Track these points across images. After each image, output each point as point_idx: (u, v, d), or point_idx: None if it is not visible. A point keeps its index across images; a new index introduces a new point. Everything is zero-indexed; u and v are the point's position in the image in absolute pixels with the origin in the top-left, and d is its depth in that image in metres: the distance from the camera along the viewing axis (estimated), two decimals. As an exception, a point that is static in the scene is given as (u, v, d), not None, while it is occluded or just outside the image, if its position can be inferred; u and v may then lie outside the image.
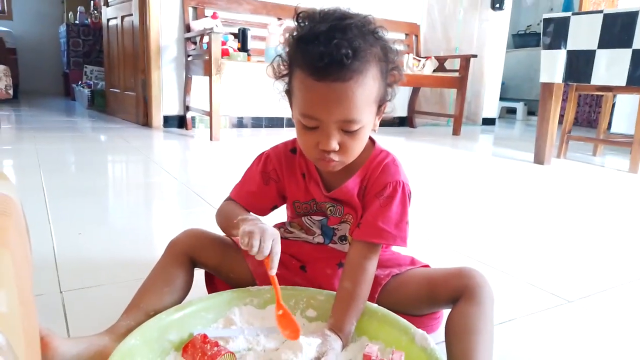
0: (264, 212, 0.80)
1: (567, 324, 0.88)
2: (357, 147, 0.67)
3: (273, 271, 0.64)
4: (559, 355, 0.77)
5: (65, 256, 1.04)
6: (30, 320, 0.45)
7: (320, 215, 0.78)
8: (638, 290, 1.04)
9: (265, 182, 0.78)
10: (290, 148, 0.79)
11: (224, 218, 0.75)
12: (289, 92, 0.70)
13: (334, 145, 0.64)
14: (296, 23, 0.66)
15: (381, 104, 0.68)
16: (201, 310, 0.68)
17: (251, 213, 0.74)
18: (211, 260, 0.76)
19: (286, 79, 0.69)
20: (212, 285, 0.81)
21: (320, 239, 0.80)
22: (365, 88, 0.62)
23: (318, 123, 0.63)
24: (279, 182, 0.78)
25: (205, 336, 0.62)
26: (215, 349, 0.60)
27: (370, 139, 0.75)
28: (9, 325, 0.36)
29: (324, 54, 0.59)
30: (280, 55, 0.69)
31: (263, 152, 0.80)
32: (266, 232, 0.64)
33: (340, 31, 0.60)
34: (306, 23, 0.64)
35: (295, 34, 0.65)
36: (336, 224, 0.78)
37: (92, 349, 0.61)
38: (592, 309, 0.93)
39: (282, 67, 0.69)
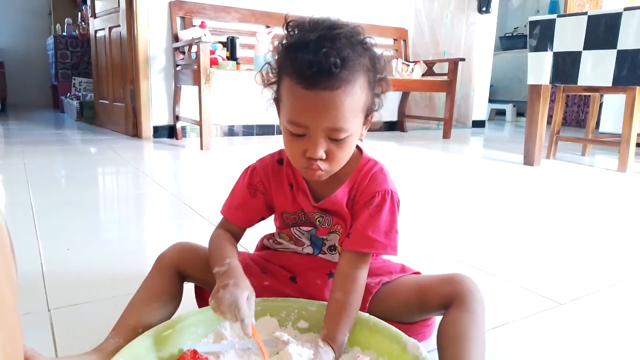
0: (251, 223, 0.80)
1: (560, 326, 0.88)
2: (344, 156, 0.67)
3: (246, 333, 0.60)
4: (553, 358, 0.77)
5: (54, 273, 1.03)
6: (13, 344, 0.45)
7: (308, 225, 0.78)
8: (630, 291, 1.05)
9: (252, 195, 0.77)
10: (277, 159, 0.78)
11: (210, 257, 0.73)
12: (277, 100, 0.70)
13: (321, 153, 0.64)
14: (285, 31, 0.66)
15: (368, 113, 0.69)
16: (191, 325, 0.67)
17: (232, 259, 0.69)
18: (200, 274, 0.75)
19: (274, 86, 0.69)
20: (202, 298, 0.80)
21: (309, 250, 0.80)
22: (354, 97, 0.62)
23: (305, 130, 0.63)
24: (266, 194, 0.78)
25: (195, 352, 0.62)
26: (206, 364, 0.60)
27: (358, 147, 0.75)
28: (-11, 351, 0.35)
29: (313, 62, 0.59)
30: (269, 63, 0.69)
31: (249, 165, 0.80)
32: (233, 295, 0.61)
33: (330, 40, 0.60)
34: (295, 32, 0.65)
35: (284, 42, 0.65)
36: (325, 235, 0.78)
37: (80, 367, 0.60)
38: (585, 310, 0.94)
39: (270, 75, 0.69)
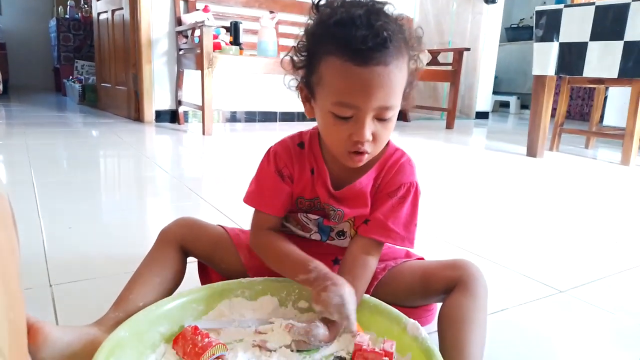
0: (286, 211, 0.76)
1: (559, 313, 0.88)
2: (388, 136, 0.66)
3: (352, 331, 0.61)
4: (551, 344, 0.77)
5: (55, 250, 1.03)
6: (16, 312, 0.45)
7: (318, 214, 0.76)
8: (629, 280, 1.05)
9: (283, 180, 0.73)
10: (298, 142, 0.75)
11: (282, 265, 0.69)
12: (309, 85, 0.66)
13: (369, 135, 0.62)
14: (315, 11, 0.64)
15: (404, 92, 0.67)
16: (192, 302, 0.67)
17: (314, 262, 0.65)
18: (202, 250, 0.75)
19: (302, 72, 0.66)
20: (205, 274, 0.80)
21: (317, 237, 0.78)
22: (402, 73, 0.62)
23: (354, 112, 0.61)
24: (291, 178, 0.74)
25: (196, 328, 0.62)
26: (206, 340, 0.60)
27: None
28: (-8, 315, 0.35)
29: (367, 37, 0.57)
30: (295, 46, 0.66)
31: (269, 149, 0.76)
32: (331, 301, 0.60)
33: (376, 14, 0.59)
34: (328, 10, 0.62)
35: (326, 19, 0.62)
36: (333, 225, 0.76)
37: (83, 338, 0.60)
38: (584, 298, 0.94)
39: (296, 57, 0.66)
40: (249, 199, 0.75)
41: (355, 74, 0.59)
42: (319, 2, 0.64)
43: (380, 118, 0.62)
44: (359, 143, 0.62)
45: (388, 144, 0.73)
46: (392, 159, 0.72)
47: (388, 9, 0.62)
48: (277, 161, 0.73)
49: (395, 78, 0.60)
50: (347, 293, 0.60)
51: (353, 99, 0.60)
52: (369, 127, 0.61)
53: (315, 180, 0.73)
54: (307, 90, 0.67)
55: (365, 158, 0.66)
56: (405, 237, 0.70)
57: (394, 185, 0.70)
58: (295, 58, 0.66)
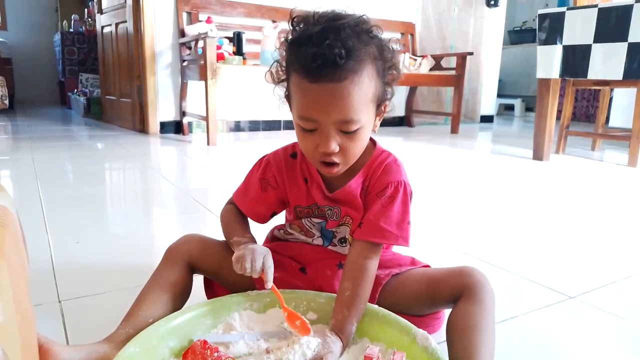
0: (263, 219, 0.80)
1: (569, 319, 0.87)
2: (357, 148, 0.67)
3: (269, 284, 0.67)
4: (562, 351, 0.76)
5: (64, 265, 1.03)
6: (28, 330, 0.45)
7: (320, 218, 0.78)
8: (639, 285, 1.04)
9: (263, 189, 0.77)
10: (290, 153, 0.78)
11: (225, 228, 0.78)
12: (288, 97, 0.69)
13: (334, 146, 0.63)
14: (291, 27, 0.66)
15: (380, 102, 0.68)
16: (200, 316, 0.68)
17: (248, 235, 0.75)
18: (210, 266, 0.75)
19: (284, 83, 0.69)
20: (211, 290, 0.81)
21: (319, 241, 0.80)
22: (362, 87, 0.62)
23: (316, 125, 0.63)
24: (278, 189, 0.77)
25: (205, 342, 0.62)
26: (216, 354, 0.60)
27: (371, 139, 0.75)
28: (6, 334, 0.36)
29: (317, 55, 0.59)
30: (277, 61, 0.69)
31: (263, 157, 0.79)
32: (256, 251, 0.68)
33: (333, 32, 0.60)
34: (301, 26, 0.65)
35: (289, 37, 0.65)
36: (335, 227, 0.77)
37: (92, 356, 0.60)
38: (594, 303, 0.93)
39: (280, 72, 0.69)
40: (235, 195, 0.81)
41: (310, 91, 0.62)
42: (294, 17, 0.66)
43: (344, 131, 0.63)
44: (325, 154, 0.64)
45: (375, 146, 0.75)
46: (378, 161, 0.74)
47: (354, 22, 0.62)
48: (265, 170, 0.78)
49: (352, 93, 0.61)
50: (262, 252, 0.68)
51: (312, 113, 0.63)
52: (333, 139, 0.63)
53: (309, 187, 0.75)
54: (288, 101, 0.70)
55: (338, 169, 0.68)
56: (399, 236, 0.70)
57: (381, 185, 0.72)
58: (280, 72, 0.69)
